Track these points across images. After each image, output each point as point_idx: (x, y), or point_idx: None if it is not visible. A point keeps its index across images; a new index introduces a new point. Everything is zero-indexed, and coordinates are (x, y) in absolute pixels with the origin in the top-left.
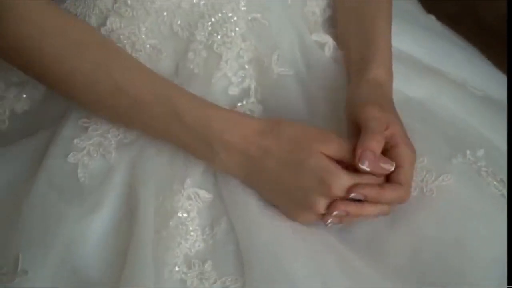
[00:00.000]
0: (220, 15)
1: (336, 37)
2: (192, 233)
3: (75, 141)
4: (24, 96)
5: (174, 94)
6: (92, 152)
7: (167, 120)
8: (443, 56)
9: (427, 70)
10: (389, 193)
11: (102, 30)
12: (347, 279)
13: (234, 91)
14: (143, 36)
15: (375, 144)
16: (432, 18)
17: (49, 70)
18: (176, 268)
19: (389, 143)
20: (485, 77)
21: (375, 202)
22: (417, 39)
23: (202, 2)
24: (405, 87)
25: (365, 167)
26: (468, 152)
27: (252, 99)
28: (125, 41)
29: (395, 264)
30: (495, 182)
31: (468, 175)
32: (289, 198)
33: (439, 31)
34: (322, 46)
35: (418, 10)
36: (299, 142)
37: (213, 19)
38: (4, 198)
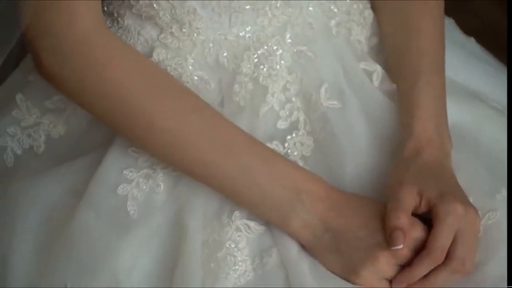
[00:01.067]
0: (265, 47)
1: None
2: (240, 263)
3: (124, 172)
4: (62, 121)
5: (261, 142)
6: (141, 184)
7: (256, 166)
8: (483, 80)
9: (468, 96)
10: (416, 267)
11: None
12: None
13: (282, 124)
14: (190, 68)
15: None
16: (472, 40)
17: (130, 115)
18: None
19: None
20: None
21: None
22: (462, 64)
23: (247, 35)
24: (450, 113)
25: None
26: None
27: (302, 131)
28: (172, 73)
29: None
30: None
31: None
32: (352, 249)
33: (478, 54)
34: (370, 74)
35: (456, 31)
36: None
37: (259, 52)
38: (48, 224)
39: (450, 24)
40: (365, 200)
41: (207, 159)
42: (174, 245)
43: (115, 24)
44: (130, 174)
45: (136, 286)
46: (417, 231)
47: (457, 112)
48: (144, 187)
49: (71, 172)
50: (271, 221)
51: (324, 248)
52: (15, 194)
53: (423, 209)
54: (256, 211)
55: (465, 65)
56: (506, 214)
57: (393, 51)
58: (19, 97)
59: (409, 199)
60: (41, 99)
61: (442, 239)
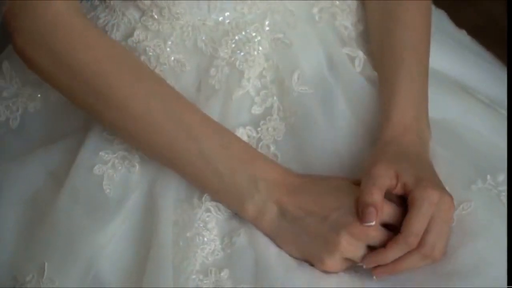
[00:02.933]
0: (243, 33)
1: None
2: (210, 243)
3: (101, 153)
4: (39, 95)
5: (224, 128)
6: (117, 165)
7: (216, 153)
8: (472, 72)
9: (455, 89)
10: (391, 250)
11: (129, 41)
12: None
13: (257, 110)
14: (168, 50)
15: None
16: (463, 32)
17: (104, 93)
18: (193, 276)
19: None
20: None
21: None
22: (449, 55)
23: (227, 21)
24: (434, 107)
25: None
26: (488, 177)
27: (275, 116)
28: (150, 53)
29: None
30: None
31: (487, 201)
32: (313, 236)
33: (468, 46)
34: (352, 60)
35: (448, 23)
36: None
37: (236, 37)
38: (28, 206)
39: (441, 15)
40: (324, 178)
41: (170, 143)
42: (147, 224)
43: (102, 2)
44: (106, 155)
45: (111, 263)
46: (386, 211)
47: (442, 104)
48: (120, 167)
49: (52, 156)
50: (231, 207)
51: (285, 237)
52: None
53: (398, 191)
54: (216, 197)
55: (454, 57)
56: (481, 205)
57: (377, 40)
58: (5, 65)
59: (384, 178)
60: (24, 69)
61: (417, 224)
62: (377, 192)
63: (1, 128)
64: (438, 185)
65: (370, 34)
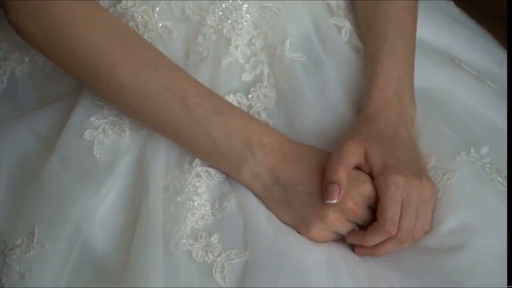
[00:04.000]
0: (230, 1)
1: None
2: (200, 208)
3: (91, 119)
4: (27, 59)
5: (218, 95)
6: (107, 130)
7: (209, 119)
8: (460, 44)
9: (443, 59)
10: (370, 237)
11: (118, 7)
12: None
13: (247, 77)
14: (156, 16)
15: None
16: (451, 4)
17: (93, 64)
18: (183, 241)
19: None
20: (500, 67)
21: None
22: (437, 27)
23: None
24: (421, 77)
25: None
26: (472, 149)
27: (265, 83)
28: (138, 20)
29: (399, 263)
30: (499, 178)
31: (472, 172)
32: (303, 204)
33: (457, 17)
34: (339, 29)
35: None
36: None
37: (223, 5)
38: (18, 171)
39: None
40: (320, 153)
41: (162, 111)
42: (136, 190)
43: None
44: (97, 121)
45: (100, 226)
46: (365, 188)
47: (432, 76)
48: (110, 132)
49: (41, 120)
50: (225, 170)
51: (276, 200)
52: None
53: (366, 170)
54: (210, 160)
55: (441, 27)
56: (465, 176)
57: (362, 16)
58: None
59: (352, 156)
60: (13, 34)
61: (390, 210)
62: (343, 170)
63: None
64: (406, 168)
65: (357, 9)
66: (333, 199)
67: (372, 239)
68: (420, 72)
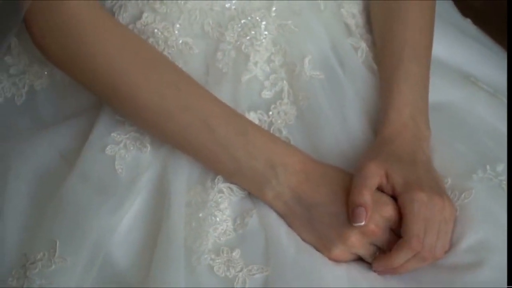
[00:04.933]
0: (249, 18)
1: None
2: (222, 223)
3: (112, 134)
4: (46, 73)
5: (241, 115)
6: (129, 145)
7: (233, 140)
8: (476, 61)
9: (458, 77)
10: (396, 255)
11: (138, 24)
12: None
13: (267, 94)
14: (176, 32)
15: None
16: (468, 21)
17: (115, 85)
18: (205, 256)
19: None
20: None
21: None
22: (453, 45)
23: (233, 7)
24: (436, 94)
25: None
26: (488, 167)
27: (286, 100)
28: (158, 36)
29: (419, 281)
30: None
31: (488, 189)
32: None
33: (474, 35)
34: (356, 50)
35: (453, 12)
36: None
37: (242, 22)
38: (38, 185)
39: (446, 4)
40: (342, 173)
41: (185, 131)
42: (158, 205)
43: None
44: (118, 136)
45: (120, 243)
46: (387, 211)
47: (447, 93)
48: (132, 148)
49: (61, 136)
50: (248, 189)
51: (298, 220)
52: (6, 154)
53: (389, 191)
54: (232, 180)
55: (457, 45)
56: (482, 194)
57: (379, 37)
58: (14, 41)
59: (374, 177)
60: (32, 47)
61: (415, 226)
62: (367, 192)
63: (7, 104)
64: (428, 186)
65: (373, 30)
66: (361, 222)
67: (398, 258)
68: (435, 89)
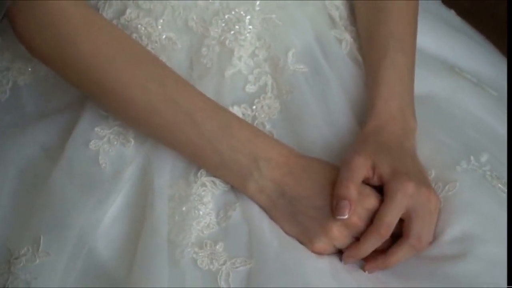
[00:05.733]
0: (233, 13)
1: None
2: (205, 216)
3: (96, 129)
4: (29, 69)
5: (225, 109)
6: (112, 140)
7: (216, 134)
8: (461, 53)
9: (443, 68)
10: (364, 241)
11: (121, 19)
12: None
13: (251, 88)
14: (160, 28)
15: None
16: (452, 13)
17: (102, 81)
18: (188, 249)
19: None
20: (499, 73)
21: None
22: (437, 36)
23: (217, 2)
24: (421, 85)
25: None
26: (472, 158)
27: (269, 95)
28: (141, 31)
29: (403, 272)
30: (500, 185)
31: (473, 180)
32: (307, 218)
33: (458, 26)
34: (340, 42)
35: (437, 4)
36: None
37: (226, 17)
38: (22, 181)
39: None
40: (326, 166)
41: (170, 125)
42: (141, 199)
43: None
44: (102, 131)
45: (104, 236)
46: (370, 202)
47: (431, 84)
48: (115, 142)
49: (45, 132)
50: (231, 183)
51: (281, 213)
52: None
53: (375, 182)
54: (216, 173)
55: (442, 37)
56: (466, 185)
57: (363, 29)
58: None
59: (361, 170)
60: (15, 43)
61: (388, 215)
62: (353, 186)
63: None
64: (415, 176)
65: (358, 23)
66: (344, 215)
67: (366, 244)
68: (420, 81)
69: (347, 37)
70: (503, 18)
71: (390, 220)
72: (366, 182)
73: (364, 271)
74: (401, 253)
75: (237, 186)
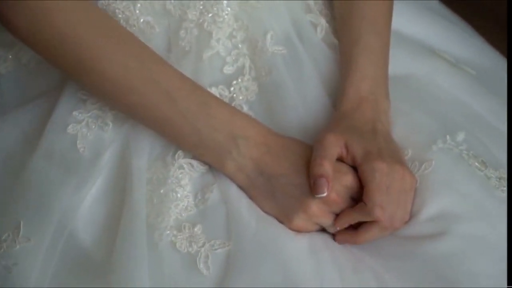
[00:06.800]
0: None
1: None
2: (183, 199)
3: (74, 113)
4: (10, 56)
5: (203, 88)
6: (90, 124)
7: (195, 112)
8: (439, 35)
9: (422, 50)
10: (353, 214)
11: (99, 4)
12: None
13: (229, 70)
14: (137, 12)
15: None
16: None
17: (82, 58)
18: (167, 232)
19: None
20: (478, 54)
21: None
22: (414, 18)
23: None
24: (399, 66)
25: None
26: (448, 137)
27: (247, 77)
28: (120, 15)
29: (382, 251)
30: (477, 164)
31: (449, 159)
32: (286, 196)
33: (436, 9)
34: (315, 26)
35: None
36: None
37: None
38: (2, 167)
39: None
40: (303, 146)
41: (149, 103)
42: (120, 182)
43: None
44: (80, 115)
45: (84, 219)
46: (348, 179)
47: (409, 64)
48: (93, 126)
49: (25, 116)
50: (209, 162)
51: (259, 191)
52: None
53: (349, 162)
54: (194, 152)
55: (420, 19)
56: (442, 164)
57: (338, 12)
58: None
59: (334, 148)
60: None
61: (378, 196)
62: (327, 163)
63: None
64: (388, 157)
65: (333, 5)
66: (323, 193)
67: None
68: (397, 61)
69: (322, 22)
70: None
71: (381, 200)
72: (340, 160)
73: (335, 241)
74: (371, 233)
75: (215, 165)
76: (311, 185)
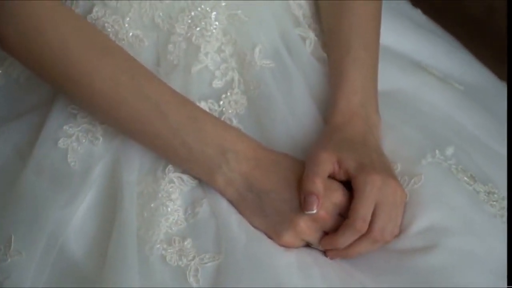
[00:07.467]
0: (199, 9)
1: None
2: (173, 213)
3: (64, 127)
4: (0, 71)
5: (192, 102)
6: (81, 138)
7: (185, 126)
8: (426, 49)
9: (409, 64)
10: (341, 235)
11: (88, 18)
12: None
13: (218, 84)
14: (126, 25)
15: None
16: (418, 11)
17: (71, 72)
18: (157, 245)
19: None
20: (465, 69)
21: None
22: (402, 34)
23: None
24: (387, 81)
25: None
26: (437, 151)
27: (236, 90)
28: (109, 29)
29: (372, 265)
30: (465, 178)
31: (438, 173)
32: (275, 211)
33: (424, 24)
34: (304, 40)
35: (403, 4)
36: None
37: (192, 13)
38: None
39: None
40: (293, 161)
41: (139, 117)
42: (110, 196)
43: None
44: (70, 129)
45: (75, 233)
46: (337, 197)
47: (397, 79)
48: (84, 140)
49: (15, 132)
50: (199, 176)
51: (249, 206)
52: None
53: (341, 177)
54: (184, 167)
55: (407, 34)
56: (432, 178)
57: (326, 26)
58: None
59: (326, 165)
60: None
61: (363, 209)
62: (319, 180)
63: None
64: (382, 169)
65: (321, 20)
66: (312, 210)
67: (343, 238)
68: (385, 76)
69: (311, 35)
70: (474, 18)
71: (364, 214)
72: (332, 177)
73: (327, 257)
74: (362, 245)
75: (205, 179)
76: (301, 201)
